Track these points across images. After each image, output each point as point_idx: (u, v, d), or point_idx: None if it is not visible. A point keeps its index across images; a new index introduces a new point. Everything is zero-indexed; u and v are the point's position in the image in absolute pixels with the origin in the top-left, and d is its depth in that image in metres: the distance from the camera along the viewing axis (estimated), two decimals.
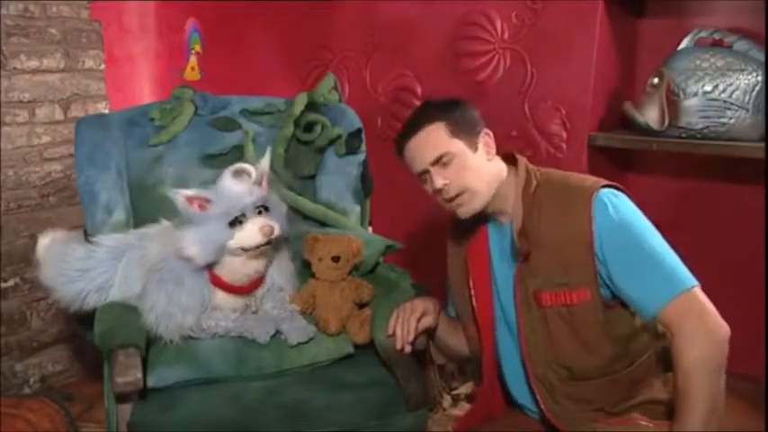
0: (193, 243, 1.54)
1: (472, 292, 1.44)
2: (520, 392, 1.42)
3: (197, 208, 1.55)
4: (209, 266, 1.61)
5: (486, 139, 1.38)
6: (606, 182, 1.31)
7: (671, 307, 1.19)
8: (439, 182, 1.33)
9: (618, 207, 1.26)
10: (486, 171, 1.36)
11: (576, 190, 1.30)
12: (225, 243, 1.55)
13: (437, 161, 1.33)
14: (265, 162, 1.67)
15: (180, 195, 1.55)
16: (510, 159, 1.41)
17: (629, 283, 1.24)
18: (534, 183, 1.34)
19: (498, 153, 1.41)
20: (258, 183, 1.61)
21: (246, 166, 1.62)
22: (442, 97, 1.42)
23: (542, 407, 1.34)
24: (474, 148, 1.35)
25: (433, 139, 1.34)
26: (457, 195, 1.34)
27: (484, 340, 1.44)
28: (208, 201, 1.56)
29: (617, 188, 1.31)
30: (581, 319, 1.28)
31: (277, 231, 1.58)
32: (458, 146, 1.33)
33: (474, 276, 1.44)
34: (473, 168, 1.34)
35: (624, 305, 1.28)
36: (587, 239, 1.25)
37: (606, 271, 1.26)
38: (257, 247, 1.57)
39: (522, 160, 1.39)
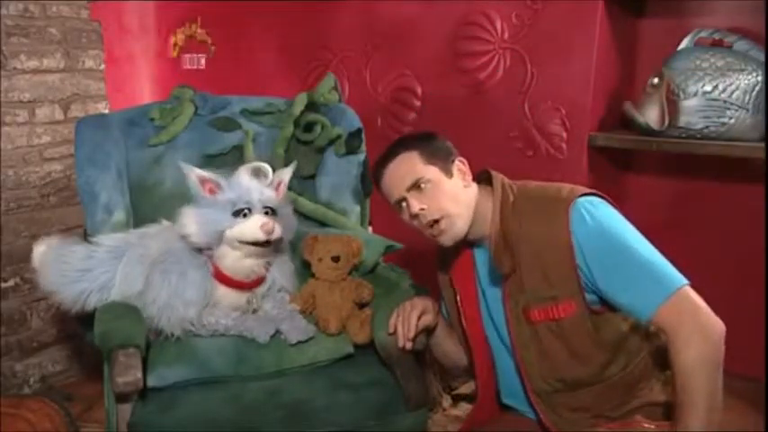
0: (193, 222, 1.57)
1: (461, 312, 1.45)
2: (520, 402, 1.42)
3: (207, 191, 1.58)
4: (212, 259, 1.62)
5: (460, 167, 1.39)
6: (584, 190, 1.30)
7: (664, 308, 1.18)
8: (416, 207, 1.34)
9: (595, 215, 1.25)
10: (464, 196, 1.36)
11: (553, 201, 1.29)
12: (224, 230, 1.57)
13: (413, 186, 1.35)
14: (287, 172, 1.71)
15: (193, 173, 1.58)
16: (485, 178, 1.41)
17: (618, 290, 1.23)
18: (511, 198, 1.34)
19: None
20: (273, 187, 1.64)
21: (265, 166, 1.65)
22: (415, 132, 1.43)
23: (542, 418, 1.35)
24: (449, 174, 1.37)
25: (408, 166, 1.36)
26: (435, 222, 1.35)
27: (476, 359, 1.45)
28: (219, 186, 1.59)
29: (597, 195, 1.30)
30: (570, 331, 1.28)
31: (278, 232, 1.59)
32: (432, 172, 1.35)
33: (462, 299, 1.45)
34: (449, 193, 1.35)
35: (613, 310, 1.27)
36: (568, 250, 1.25)
37: (592, 280, 1.25)
38: (255, 243, 1.58)
39: (497, 177, 1.38)
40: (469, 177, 1.39)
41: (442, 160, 1.37)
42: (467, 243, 1.42)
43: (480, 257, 1.42)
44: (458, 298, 1.45)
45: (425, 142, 1.39)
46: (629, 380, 1.31)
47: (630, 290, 1.21)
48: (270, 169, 1.64)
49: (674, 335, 1.17)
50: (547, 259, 1.27)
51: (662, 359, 1.30)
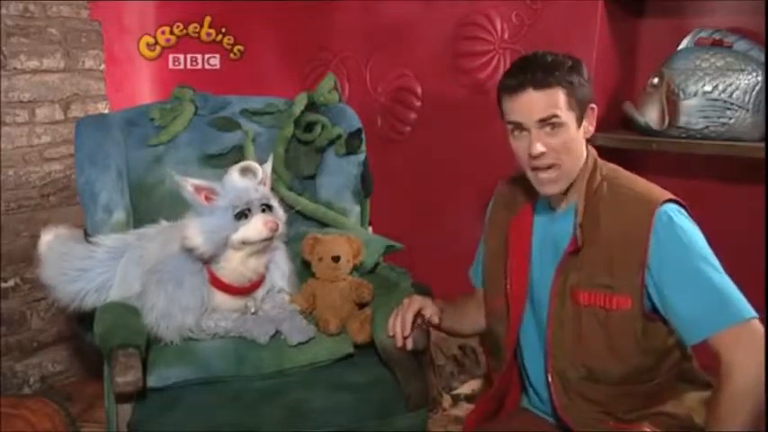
0: (198, 233, 1.55)
1: (508, 268, 1.40)
2: (536, 376, 1.40)
3: (203, 199, 1.57)
4: (208, 265, 1.61)
5: (590, 117, 1.29)
6: (672, 196, 1.27)
7: (729, 332, 1.16)
8: (538, 147, 1.25)
9: (683, 226, 1.23)
10: (581, 152, 1.29)
11: (641, 198, 1.26)
12: (229, 235, 1.56)
13: (546, 121, 1.24)
14: (268, 165, 1.69)
15: (188, 183, 1.56)
16: None
17: (684, 303, 1.20)
18: (598, 178, 1.30)
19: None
20: (263, 182, 1.64)
21: (253, 164, 1.64)
22: (566, 55, 1.27)
23: (554, 398, 1.34)
24: (579, 123, 1.27)
25: (551, 102, 1.25)
26: (548, 168, 1.27)
27: (512, 319, 1.40)
28: (214, 192, 1.57)
29: (682, 204, 1.27)
30: (617, 326, 1.26)
31: (281, 228, 1.59)
32: (569, 118, 1.26)
33: (512, 255, 1.40)
34: (572, 145, 1.27)
35: (665, 320, 1.25)
36: (642, 250, 1.22)
37: (657, 285, 1.22)
38: (260, 241, 1.58)
39: (591, 151, 1.34)
40: (593, 129, 1.30)
41: (581, 107, 1.27)
42: (532, 195, 1.37)
43: (542, 218, 1.38)
44: (508, 256, 1.41)
45: (577, 81, 1.25)
46: (651, 390, 1.30)
47: (696, 307, 1.19)
48: (258, 167, 1.64)
49: (732, 359, 1.15)
50: (617, 250, 1.24)
51: (684, 380, 1.31)
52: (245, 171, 1.62)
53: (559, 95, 1.24)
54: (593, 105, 1.31)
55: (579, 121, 1.28)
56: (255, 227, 1.57)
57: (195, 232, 1.56)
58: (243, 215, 1.57)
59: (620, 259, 1.24)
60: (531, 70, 1.25)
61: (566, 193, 1.31)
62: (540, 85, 1.24)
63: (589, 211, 1.28)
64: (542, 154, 1.25)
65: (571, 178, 1.29)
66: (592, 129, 1.31)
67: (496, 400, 1.47)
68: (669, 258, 1.21)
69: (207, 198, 1.57)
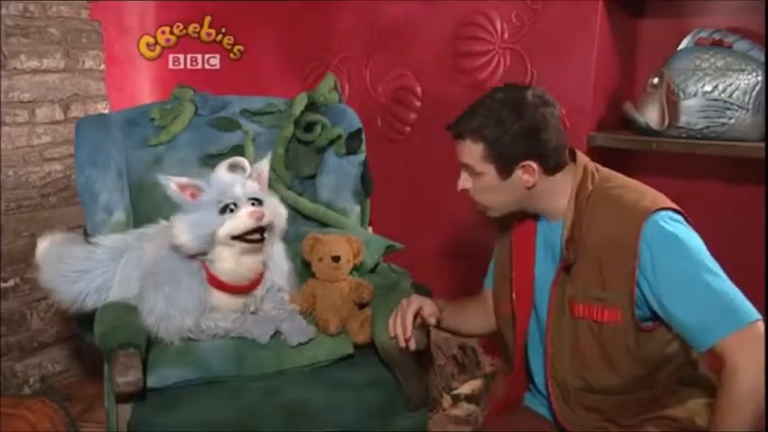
0: (184, 230, 1.53)
1: (513, 274, 1.41)
2: (540, 380, 1.41)
3: (189, 196, 1.55)
4: (205, 264, 1.61)
5: (524, 172, 1.29)
6: (666, 203, 1.25)
7: (732, 338, 1.15)
8: (459, 184, 1.35)
9: (676, 233, 1.21)
10: (512, 194, 1.32)
11: (630, 207, 1.24)
12: (215, 230, 1.54)
13: (466, 167, 1.33)
14: (264, 162, 1.67)
15: (172, 182, 1.55)
16: (570, 155, 1.35)
17: (686, 312, 1.19)
18: (589, 188, 1.29)
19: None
20: (252, 178, 1.62)
21: (241, 159, 1.63)
22: (498, 114, 1.28)
23: (555, 408, 1.34)
24: (505, 175, 1.29)
25: (468, 153, 1.31)
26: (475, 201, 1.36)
27: (518, 326, 1.41)
28: (200, 189, 1.56)
29: (678, 211, 1.26)
30: (609, 339, 1.26)
31: (268, 217, 1.56)
32: (488, 169, 1.30)
33: (517, 261, 1.41)
34: (493, 191, 1.32)
35: (666, 328, 1.24)
36: (631, 261, 1.21)
37: (655, 295, 1.21)
38: (248, 233, 1.55)
39: (581, 160, 1.33)
40: (533, 181, 1.29)
41: (504, 162, 1.29)
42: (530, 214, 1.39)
43: (543, 229, 1.38)
44: (513, 269, 1.41)
45: (495, 139, 1.27)
46: (651, 397, 1.30)
47: (699, 314, 1.18)
48: (246, 162, 1.62)
49: (738, 360, 1.14)
50: (607, 262, 1.24)
51: (687, 384, 1.31)
52: (234, 167, 1.61)
53: (474, 148, 1.30)
54: (530, 165, 1.28)
55: (504, 173, 1.29)
56: (240, 218, 1.54)
57: (181, 229, 1.54)
58: (228, 208, 1.54)
59: (611, 271, 1.24)
60: (459, 119, 1.33)
61: (558, 203, 1.31)
62: (457, 135, 1.33)
63: (578, 223, 1.27)
64: (463, 190, 1.35)
65: (504, 211, 1.36)
66: (531, 182, 1.29)
67: (506, 402, 1.48)
68: (664, 267, 1.20)
69: (192, 195, 1.56)
